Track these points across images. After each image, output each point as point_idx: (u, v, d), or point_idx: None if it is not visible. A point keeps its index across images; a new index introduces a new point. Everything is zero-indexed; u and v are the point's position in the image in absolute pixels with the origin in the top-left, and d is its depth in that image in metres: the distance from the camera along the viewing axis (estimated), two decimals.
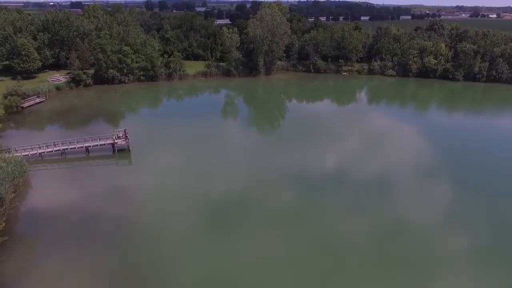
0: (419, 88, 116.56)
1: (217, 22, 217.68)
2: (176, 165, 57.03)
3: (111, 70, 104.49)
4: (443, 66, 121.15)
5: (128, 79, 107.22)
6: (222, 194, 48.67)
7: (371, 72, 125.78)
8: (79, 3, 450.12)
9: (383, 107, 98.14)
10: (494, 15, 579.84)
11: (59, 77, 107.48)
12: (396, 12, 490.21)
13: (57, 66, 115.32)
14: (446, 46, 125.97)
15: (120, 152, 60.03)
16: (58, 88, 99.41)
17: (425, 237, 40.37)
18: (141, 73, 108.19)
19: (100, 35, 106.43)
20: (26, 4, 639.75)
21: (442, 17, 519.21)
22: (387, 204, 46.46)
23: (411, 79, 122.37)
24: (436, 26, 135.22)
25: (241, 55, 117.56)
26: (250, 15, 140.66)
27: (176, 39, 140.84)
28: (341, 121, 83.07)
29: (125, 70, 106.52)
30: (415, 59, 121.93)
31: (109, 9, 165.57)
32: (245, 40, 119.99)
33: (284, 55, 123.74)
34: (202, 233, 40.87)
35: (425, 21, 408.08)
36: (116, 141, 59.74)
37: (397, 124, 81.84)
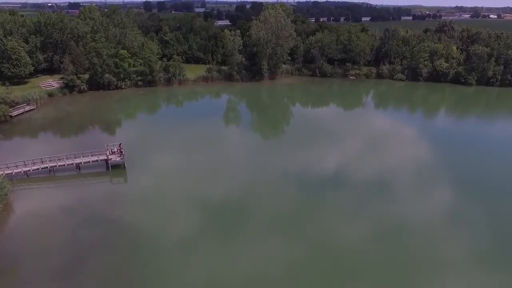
0: (430, 93, 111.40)
1: (217, 24, 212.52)
2: (177, 184, 51.44)
3: (107, 75, 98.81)
4: (455, 70, 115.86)
5: (125, 85, 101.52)
6: (229, 218, 43.12)
7: (379, 76, 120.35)
8: (77, 4, 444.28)
9: (393, 113, 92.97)
10: (495, 16, 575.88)
11: (52, 82, 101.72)
12: (396, 12, 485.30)
13: (50, 70, 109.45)
14: (457, 48, 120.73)
15: (114, 169, 54.34)
16: (50, 94, 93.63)
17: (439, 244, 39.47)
18: (139, 78, 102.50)
19: (96, 38, 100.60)
20: (24, 5, 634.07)
21: (443, 17, 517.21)
22: (399, 215, 45.01)
23: (421, 83, 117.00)
24: (446, 28, 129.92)
25: (244, 59, 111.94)
26: (253, 17, 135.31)
27: (176, 41, 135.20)
28: (348, 128, 78.00)
29: (121, 75, 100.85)
30: (425, 62, 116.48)
31: (106, 10, 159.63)
32: (247, 42, 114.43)
33: (289, 58, 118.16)
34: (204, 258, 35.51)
35: (427, 22, 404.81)
36: (110, 157, 54.08)
37: (407, 131, 77.14)
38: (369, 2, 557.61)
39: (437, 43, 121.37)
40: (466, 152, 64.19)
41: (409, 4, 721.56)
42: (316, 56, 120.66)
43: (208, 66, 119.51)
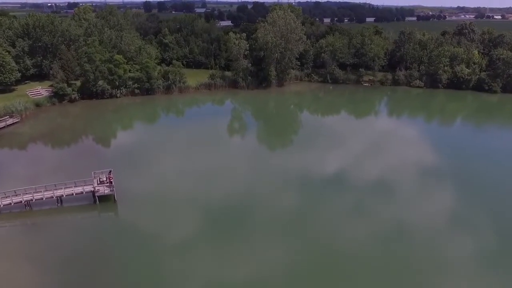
0: (450, 101, 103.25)
1: (219, 24, 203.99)
2: (179, 220, 42.70)
3: (100, 83, 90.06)
4: (477, 76, 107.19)
5: (120, 93, 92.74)
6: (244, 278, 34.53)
7: (395, 82, 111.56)
8: (76, 4, 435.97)
9: (410, 125, 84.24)
10: (499, 16, 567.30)
11: (40, 90, 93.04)
12: (399, 13, 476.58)
13: (40, 76, 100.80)
14: (478, 53, 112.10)
15: (103, 202, 45.58)
16: (37, 104, 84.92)
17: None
18: (135, 85, 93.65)
19: (88, 41, 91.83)
20: (24, 5, 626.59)
21: (447, 18, 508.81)
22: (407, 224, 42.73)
23: (441, 90, 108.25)
24: (466, 30, 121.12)
25: (250, 64, 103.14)
26: (259, 18, 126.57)
27: (176, 44, 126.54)
28: (363, 142, 69.70)
29: (116, 82, 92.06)
30: (445, 68, 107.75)
31: (102, 11, 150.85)
32: (253, 46, 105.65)
33: (298, 63, 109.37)
34: None
35: (431, 23, 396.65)
36: (97, 188, 45.33)
37: (423, 145, 69.67)
38: (368, 2, 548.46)
39: (456, 47, 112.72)
40: (484, 167, 58.74)
41: (410, 5, 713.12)
42: (327, 61, 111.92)
43: (210, 71, 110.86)
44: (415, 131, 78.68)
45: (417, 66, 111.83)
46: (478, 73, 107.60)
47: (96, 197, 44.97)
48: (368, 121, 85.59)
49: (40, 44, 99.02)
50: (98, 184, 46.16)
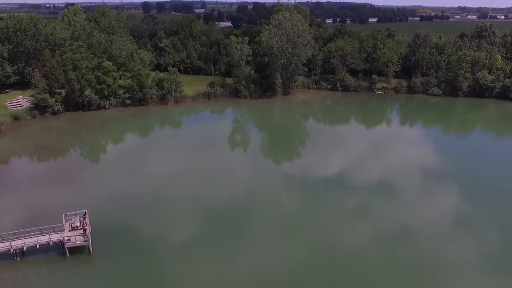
0: (471, 111, 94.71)
1: (219, 25, 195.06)
2: (175, 276, 33.54)
3: (87, 92, 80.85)
4: (501, 83, 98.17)
5: (110, 104, 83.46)
6: None
7: (411, 90, 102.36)
8: (73, 4, 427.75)
9: (428, 138, 75.63)
10: (502, 16, 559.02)
11: (21, 101, 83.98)
12: (402, 13, 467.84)
13: (23, 84, 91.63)
14: (501, 57, 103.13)
15: (75, 254, 36.32)
16: (16, 117, 75.85)
17: None
18: (126, 95, 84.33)
19: (72, 46, 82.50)
20: (22, 6, 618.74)
21: (450, 18, 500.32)
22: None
23: (461, 99, 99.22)
24: (487, 33, 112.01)
25: (253, 71, 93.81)
26: (261, 19, 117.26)
27: (172, 48, 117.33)
28: (376, 159, 62.10)
29: (105, 92, 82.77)
30: (466, 74, 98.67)
31: (94, 12, 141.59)
32: (257, 51, 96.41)
33: (305, 69, 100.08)
34: None
35: (435, 23, 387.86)
36: (67, 236, 36.08)
37: (442, 164, 61.52)
38: (368, 3, 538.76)
39: (476, 51, 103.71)
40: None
41: (410, 5, 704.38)
42: (336, 66, 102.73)
43: (210, 78, 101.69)
44: (435, 146, 70.24)
45: (435, 72, 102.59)
46: (502, 79, 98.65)
47: (66, 249, 35.69)
48: (382, 135, 76.23)
49: (21, 49, 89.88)
50: (69, 231, 36.91)
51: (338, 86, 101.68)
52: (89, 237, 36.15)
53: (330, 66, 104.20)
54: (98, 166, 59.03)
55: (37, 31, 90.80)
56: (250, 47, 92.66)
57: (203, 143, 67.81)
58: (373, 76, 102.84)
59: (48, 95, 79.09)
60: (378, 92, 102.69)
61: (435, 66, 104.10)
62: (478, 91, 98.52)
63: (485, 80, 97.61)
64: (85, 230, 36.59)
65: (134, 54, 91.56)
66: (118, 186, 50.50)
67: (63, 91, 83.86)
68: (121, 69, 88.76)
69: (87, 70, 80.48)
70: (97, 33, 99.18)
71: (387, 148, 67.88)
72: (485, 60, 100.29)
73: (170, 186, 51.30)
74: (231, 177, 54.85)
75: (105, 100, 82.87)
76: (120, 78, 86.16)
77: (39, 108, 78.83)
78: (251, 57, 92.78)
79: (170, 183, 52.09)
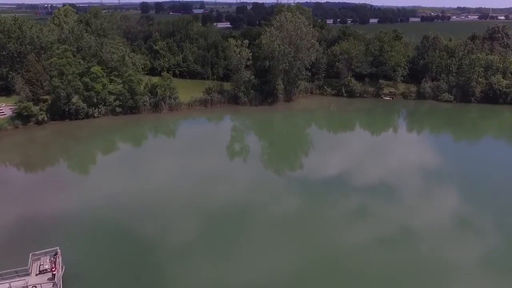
0: (485, 118, 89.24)
1: (217, 26, 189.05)
2: None
3: (74, 99, 74.85)
4: None
5: (99, 112, 77.47)
6: None
7: (420, 95, 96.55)
8: (72, 5, 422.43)
9: (446, 151, 69.43)
10: (503, 17, 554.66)
11: (3, 109, 78.07)
12: (402, 14, 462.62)
13: (7, 90, 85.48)
14: None
15: None
16: None
17: None
18: (117, 103, 78.33)
19: (58, 50, 76.48)
20: (19, 6, 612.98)
21: (451, 19, 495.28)
22: None
23: (474, 105, 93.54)
24: (499, 35, 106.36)
25: (253, 76, 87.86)
26: (261, 20, 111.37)
27: (168, 51, 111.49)
28: (386, 174, 56.67)
29: (94, 99, 76.81)
30: (479, 79, 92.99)
31: (86, 13, 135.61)
32: (257, 54, 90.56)
33: (308, 74, 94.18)
34: None
35: (436, 24, 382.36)
36: (33, 283, 30.09)
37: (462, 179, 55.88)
38: (368, 3, 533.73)
39: (489, 54, 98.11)
40: None
41: (408, 5, 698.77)
42: (341, 71, 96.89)
43: (207, 82, 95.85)
44: (448, 157, 64.67)
45: (445, 76, 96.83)
46: None
47: None
48: (391, 146, 70.29)
49: (5, 52, 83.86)
50: (37, 275, 30.97)
51: (343, 91, 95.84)
52: (60, 284, 30.20)
53: (335, 70, 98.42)
54: (83, 186, 52.72)
55: (21, 33, 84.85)
56: (250, 50, 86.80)
57: (199, 156, 61.92)
58: (380, 81, 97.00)
59: (31, 103, 73.15)
60: (385, 98, 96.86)
61: (446, 70, 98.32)
62: (492, 97, 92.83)
63: (500, 85, 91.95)
64: (54, 275, 30.62)
65: (126, 58, 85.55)
66: (106, 212, 44.55)
67: (49, 98, 77.96)
68: (113, 73, 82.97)
69: (74, 76, 74.53)
70: (87, 36, 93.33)
71: (396, 161, 62.08)
72: (499, 64, 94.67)
73: (166, 212, 45.29)
74: (230, 198, 48.87)
75: (93, 108, 76.88)
76: (110, 83, 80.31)
77: (21, 117, 72.79)
78: (250, 61, 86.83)
79: (165, 207, 46.16)
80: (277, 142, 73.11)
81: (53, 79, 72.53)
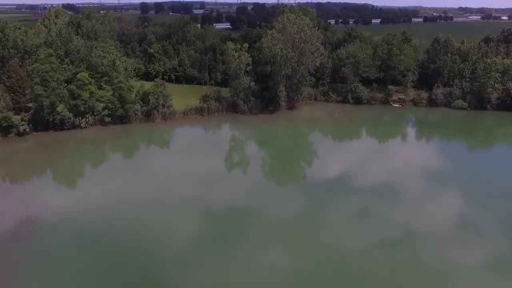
0: (501, 126, 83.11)
1: (216, 26, 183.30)
2: None
3: (59, 108, 68.93)
4: None
5: (86, 122, 71.42)
6: None
7: (432, 102, 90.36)
8: (72, 6, 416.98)
9: (461, 164, 63.38)
10: (506, 17, 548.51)
11: None
12: (404, 14, 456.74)
13: None
14: None
15: None
16: None
17: None
18: (106, 112, 72.22)
19: (40, 55, 70.49)
20: (19, 7, 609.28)
21: (454, 19, 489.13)
22: None
23: (489, 112, 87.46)
24: None
25: (253, 82, 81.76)
26: (262, 22, 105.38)
27: (163, 54, 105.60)
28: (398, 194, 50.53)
29: (81, 108, 70.75)
30: (495, 84, 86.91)
31: (79, 14, 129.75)
32: (257, 58, 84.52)
33: (313, 79, 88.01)
34: None
35: (440, 24, 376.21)
36: None
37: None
38: (368, 3, 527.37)
39: (505, 58, 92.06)
40: None
41: (410, 5, 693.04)
42: (348, 76, 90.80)
43: (204, 88, 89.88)
44: (470, 173, 58.57)
45: (459, 82, 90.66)
46: None
47: None
48: (403, 162, 63.54)
49: None
50: None
51: (350, 98, 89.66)
52: None
53: (340, 75, 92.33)
54: (68, 208, 46.58)
55: (4, 36, 78.97)
56: (249, 55, 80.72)
57: (195, 171, 56.04)
58: (389, 87, 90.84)
59: (12, 113, 67.14)
60: (394, 105, 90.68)
61: (459, 75, 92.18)
62: (510, 104, 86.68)
63: None
64: None
65: (117, 62, 79.45)
66: (92, 237, 38.80)
67: (33, 106, 71.97)
68: (104, 78, 77.09)
69: (59, 83, 68.55)
70: (76, 39, 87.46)
71: (409, 180, 56.07)
72: None
73: (161, 239, 39.46)
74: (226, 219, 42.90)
75: (80, 118, 70.85)
76: (100, 89, 74.33)
77: (1, 128, 66.80)
78: (250, 67, 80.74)
79: (161, 232, 40.41)
80: (279, 155, 67.03)
81: (36, 86, 66.50)
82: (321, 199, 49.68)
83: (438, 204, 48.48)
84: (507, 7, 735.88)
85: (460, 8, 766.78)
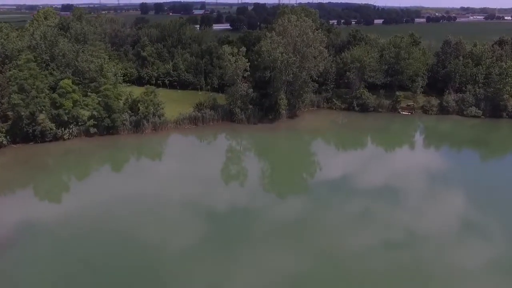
0: None
1: (215, 28, 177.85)
2: None
3: (40, 119, 63.19)
4: None
5: (70, 133, 65.66)
6: None
7: (443, 110, 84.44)
8: (71, 6, 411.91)
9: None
10: (509, 17, 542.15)
11: None
12: (406, 14, 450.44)
13: None
14: None
15: None
16: None
17: None
18: (91, 122, 66.42)
19: (18, 61, 64.85)
20: (19, 7, 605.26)
21: (457, 20, 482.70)
22: None
23: (505, 121, 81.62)
24: None
25: (251, 89, 75.93)
26: (262, 24, 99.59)
27: (157, 58, 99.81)
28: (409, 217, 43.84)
29: (64, 118, 64.98)
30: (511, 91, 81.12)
31: (69, 15, 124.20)
32: (256, 62, 78.79)
33: (315, 85, 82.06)
34: None
35: (442, 25, 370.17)
36: None
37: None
38: (370, 3, 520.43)
39: None
40: None
41: (411, 5, 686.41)
42: (353, 81, 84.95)
43: (199, 93, 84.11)
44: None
45: (472, 88, 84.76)
46: None
47: None
48: (415, 178, 57.76)
49: None
50: None
51: (355, 105, 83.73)
52: None
53: (345, 80, 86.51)
54: (48, 237, 40.77)
55: None
56: (247, 59, 74.87)
57: (187, 186, 50.44)
58: (397, 93, 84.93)
59: None
60: (403, 112, 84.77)
61: (471, 80, 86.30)
62: None
63: None
64: None
65: (105, 67, 73.72)
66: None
67: (11, 116, 66.26)
68: (93, 83, 71.49)
69: (39, 91, 62.87)
70: (62, 42, 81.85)
71: (421, 199, 50.29)
72: None
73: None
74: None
75: (63, 129, 65.08)
76: (85, 96, 68.78)
77: None
78: (248, 72, 74.94)
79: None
80: (279, 168, 61.30)
81: (13, 95, 60.79)
82: (323, 217, 44.67)
83: (452, 223, 43.74)
84: (509, 7, 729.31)
85: (462, 8, 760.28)
